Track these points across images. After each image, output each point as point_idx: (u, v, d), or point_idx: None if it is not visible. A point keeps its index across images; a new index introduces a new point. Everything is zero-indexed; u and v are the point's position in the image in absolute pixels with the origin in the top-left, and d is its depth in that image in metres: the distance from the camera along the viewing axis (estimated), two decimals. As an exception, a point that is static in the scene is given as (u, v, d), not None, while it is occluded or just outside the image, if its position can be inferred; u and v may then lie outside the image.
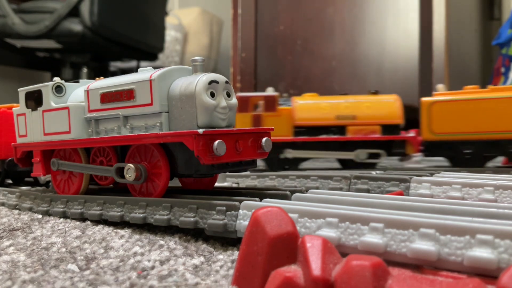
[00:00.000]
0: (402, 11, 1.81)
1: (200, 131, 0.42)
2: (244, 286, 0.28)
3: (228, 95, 0.47)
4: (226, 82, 0.47)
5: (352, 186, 0.62)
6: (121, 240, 0.43)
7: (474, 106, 0.78)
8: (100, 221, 0.53)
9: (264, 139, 0.48)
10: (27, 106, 0.61)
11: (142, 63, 1.82)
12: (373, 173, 0.65)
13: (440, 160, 0.94)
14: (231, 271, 0.34)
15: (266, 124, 0.86)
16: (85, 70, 1.60)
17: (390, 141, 0.83)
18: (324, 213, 0.36)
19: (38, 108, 0.59)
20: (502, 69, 1.68)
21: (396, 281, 0.23)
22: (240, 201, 0.42)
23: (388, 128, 0.83)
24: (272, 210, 0.29)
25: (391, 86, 1.75)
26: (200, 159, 0.43)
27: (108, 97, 0.51)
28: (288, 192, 0.48)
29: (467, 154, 0.79)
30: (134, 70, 1.63)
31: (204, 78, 0.45)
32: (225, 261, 0.37)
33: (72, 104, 0.55)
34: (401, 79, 1.79)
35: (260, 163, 0.90)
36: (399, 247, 0.31)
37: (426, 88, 1.71)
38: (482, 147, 0.78)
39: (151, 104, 0.47)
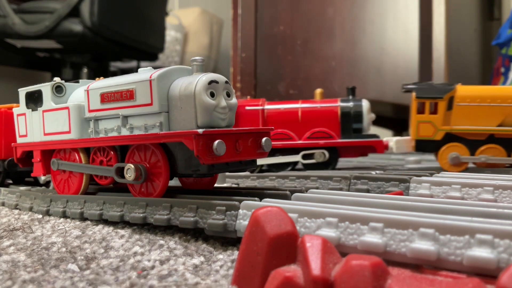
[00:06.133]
0: (402, 11, 1.81)
1: (200, 131, 0.42)
2: (243, 286, 0.28)
3: (228, 95, 0.47)
4: (226, 82, 0.47)
5: (352, 186, 0.62)
6: (121, 240, 0.44)
7: None
8: (100, 221, 0.53)
9: (264, 139, 0.48)
10: (27, 106, 0.61)
11: (142, 63, 1.82)
12: (373, 173, 0.65)
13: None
14: (231, 271, 0.34)
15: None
16: (85, 70, 1.60)
17: None
18: (324, 213, 0.36)
19: (38, 108, 0.59)
20: (502, 69, 1.69)
21: (396, 281, 0.23)
22: (240, 201, 0.42)
23: None
24: (272, 210, 0.29)
25: (391, 86, 1.76)
26: (200, 159, 0.43)
27: (108, 97, 0.51)
28: (288, 192, 0.48)
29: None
30: (134, 70, 1.63)
31: (204, 78, 0.45)
32: (225, 260, 0.37)
33: (72, 104, 0.55)
34: (401, 79, 1.79)
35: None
36: (399, 246, 0.31)
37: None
38: None
39: (151, 104, 0.47)
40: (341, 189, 0.62)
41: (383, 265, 0.24)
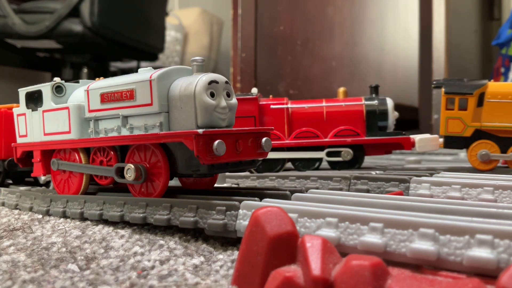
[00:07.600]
0: (402, 11, 1.81)
1: (200, 131, 0.42)
2: (244, 286, 0.28)
3: (228, 95, 0.47)
4: (226, 82, 0.47)
5: (352, 186, 0.62)
6: (121, 240, 0.44)
7: None
8: (100, 221, 0.53)
9: (264, 139, 0.48)
10: (27, 106, 0.61)
11: (142, 63, 1.82)
12: (373, 173, 0.65)
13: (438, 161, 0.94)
14: (231, 271, 0.34)
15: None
16: (85, 70, 1.60)
17: None
18: (324, 213, 0.36)
19: (38, 108, 0.59)
20: (502, 69, 1.69)
21: (396, 281, 0.23)
22: (240, 201, 0.42)
23: None
24: (272, 210, 0.29)
25: (391, 86, 1.76)
26: (200, 159, 0.43)
27: (108, 97, 0.51)
28: (288, 192, 0.48)
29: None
30: (134, 70, 1.63)
31: (204, 78, 0.45)
32: (225, 261, 0.37)
33: (72, 104, 0.55)
34: (401, 79, 1.79)
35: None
36: (399, 247, 0.31)
37: (426, 88, 1.71)
38: None
39: (151, 104, 0.47)
40: (341, 189, 0.62)
41: (383, 265, 0.24)
